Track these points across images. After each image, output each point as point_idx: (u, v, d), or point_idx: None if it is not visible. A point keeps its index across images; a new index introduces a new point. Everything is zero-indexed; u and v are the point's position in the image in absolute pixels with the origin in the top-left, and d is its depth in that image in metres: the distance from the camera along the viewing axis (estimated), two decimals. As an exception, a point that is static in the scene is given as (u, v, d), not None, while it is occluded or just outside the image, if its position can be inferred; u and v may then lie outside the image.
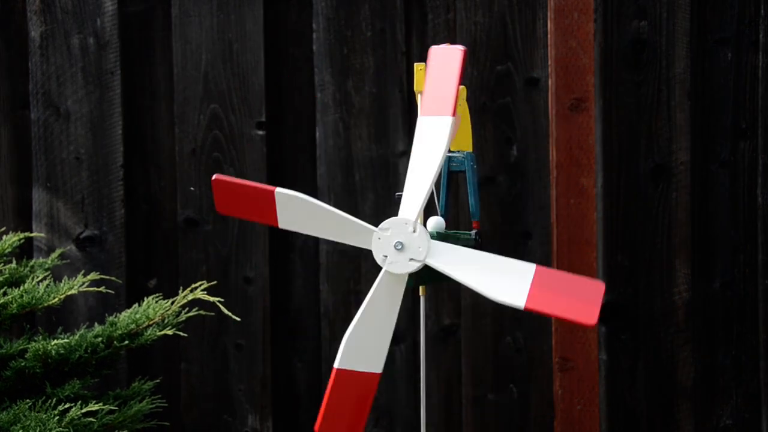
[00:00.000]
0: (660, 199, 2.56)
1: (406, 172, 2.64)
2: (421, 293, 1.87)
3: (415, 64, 1.78)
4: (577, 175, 2.38)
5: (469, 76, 2.56)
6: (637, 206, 2.56)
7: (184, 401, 2.65)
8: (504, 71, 2.57)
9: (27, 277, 2.26)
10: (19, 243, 2.30)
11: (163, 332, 2.11)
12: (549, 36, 2.39)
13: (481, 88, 2.56)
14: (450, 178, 1.87)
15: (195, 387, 2.65)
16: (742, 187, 2.57)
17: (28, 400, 1.95)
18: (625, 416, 2.59)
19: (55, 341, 2.04)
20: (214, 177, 1.75)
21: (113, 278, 2.50)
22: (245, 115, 2.61)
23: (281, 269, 2.63)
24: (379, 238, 1.65)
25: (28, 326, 2.29)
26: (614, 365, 2.58)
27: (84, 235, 2.64)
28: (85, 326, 2.28)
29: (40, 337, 2.15)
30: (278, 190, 1.69)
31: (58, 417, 1.91)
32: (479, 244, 1.79)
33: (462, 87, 1.81)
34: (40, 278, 2.22)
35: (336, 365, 1.68)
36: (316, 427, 1.71)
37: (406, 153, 2.58)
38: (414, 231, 1.63)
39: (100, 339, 2.09)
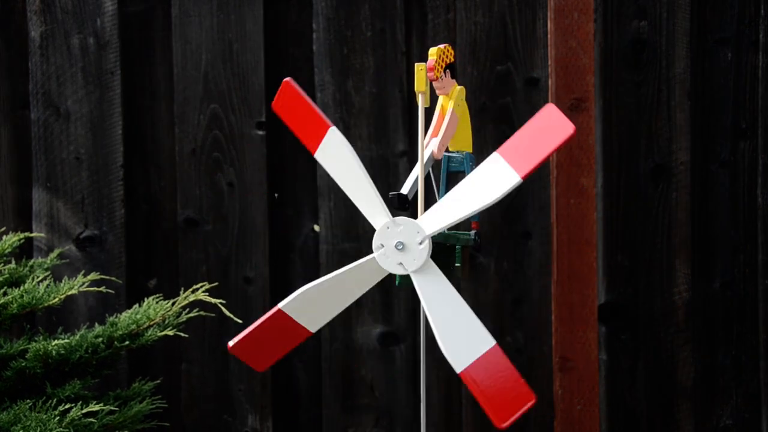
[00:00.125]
0: (660, 199, 2.56)
1: (405, 172, 2.64)
2: (421, 293, 1.87)
3: (416, 64, 1.78)
4: (577, 175, 2.38)
5: (469, 76, 2.56)
6: (637, 206, 2.56)
7: (184, 401, 2.65)
8: (504, 71, 2.57)
9: (27, 277, 2.26)
10: (19, 243, 2.30)
11: (163, 333, 2.12)
12: (549, 36, 2.39)
13: (481, 88, 2.56)
14: (450, 178, 1.87)
15: (195, 387, 2.65)
16: (742, 187, 2.57)
17: (28, 401, 1.95)
18: (625, 416, 2.59)
19: (56, 341, 2.04)
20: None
21: (113, 278, 2.51)
22: (245, 115, 2.61)
23: (281, 269, 2.63)
24: (387, 228, 1.67)
25: (28, 326, 2.29)
26: (614, 365, 2.58)
27: (84, 235, 2.64)
28: (85, 326, 2.28)
29: (41, 338, 2.15)
30: (333, 129, 1.70)
31: (58, 417, 1.91)
32: (478, 245, 1.80)
33: (461, 87, 1.82)
34: (40, 278, 2.22)
35: (280, 306, 1.75)
36: (229, 345, 1.77)
37: (406, 153, 2.59)
38: (399, 226, 1.66)
39: (100, 339, 2.09)
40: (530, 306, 2.59)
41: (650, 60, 2.55)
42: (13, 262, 2.33)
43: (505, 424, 1.60)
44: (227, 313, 2.17)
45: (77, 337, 2.09)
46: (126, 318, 2.14)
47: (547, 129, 1.56)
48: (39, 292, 2.11)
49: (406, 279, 1.71)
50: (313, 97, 2.60)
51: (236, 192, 2.62)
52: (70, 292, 2.13)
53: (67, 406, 1.95)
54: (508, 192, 1.61)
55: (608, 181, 2.56)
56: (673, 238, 2.56)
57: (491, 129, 2.57)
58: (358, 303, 2.61)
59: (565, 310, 2.38)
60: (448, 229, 1.78)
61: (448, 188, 1.89)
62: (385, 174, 2.59)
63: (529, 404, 1.60)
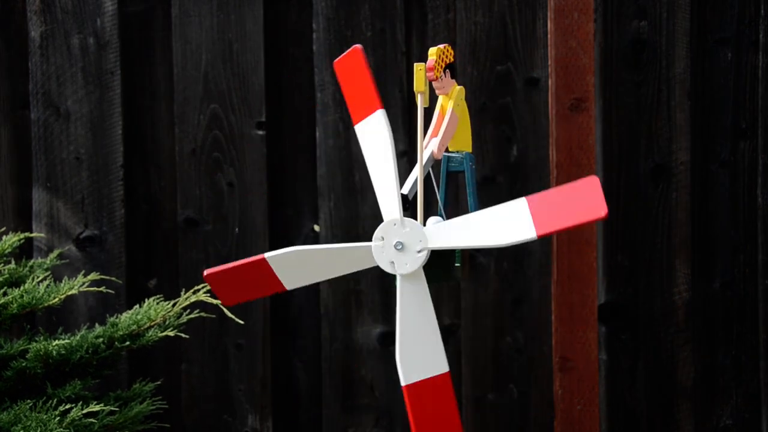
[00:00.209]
0: (660, 199, 2.56)
1: (406, 173, 2.64)
2: (421, 294, 1.87)
3: (415, 64, 1.78)
4: (577, 175, 2.38)
5: (469, 76, 2.56)
6: (637, 206, 2.56)
7: (184, 402, 2.65)
8: (504, 71, 2.57)
9: (27, 277, 2.26)
10: (19, 243, 2.30)
11: (164, 333, 2.11)
12: (549, 36, 2.39)
13: (481, 88, 2.56)
14: (449, 178, 1.87)
15: (195, 387, 2.65)
16: (742, 187, 2.57)
17: (28, 401, 1.95)
18: (625, 416, 2.59)
19: (56, 341, 2.04)
20: (205, 274, 1.79)
21: (113, 278, 2.50)
22: (245, 115, 2.61)
23: (281, 269, 2.63)
24: (394, 224, 1.67)
25: (29, 326, 2.29)
26: (614, 365, 2.58)
27: (84, 235, 2.64)
28: (85, 326, 2.28)
29: (41, 338, 2.15)
30: (267, 255, 1.72)
31: (58, 417, 1.91)
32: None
33: (461, 87, 1.82)
34: (40, 278, 2.22)
35: (402, 383, 1.68)
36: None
37: (407, 153, 2.59)
38: (405, 227, 1.65)
39: (101, 339, 2.09)
40: (530, 306, 2.59)
41: (650, 60, 2.55)
42: (13, 262, 2.33)
43: (605, 211, 1.52)
44: (228, 314, 2.17)
45: (78, 337, 2.09)
46: (126, 318, 2.14)
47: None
48: (39, 292, 2.11)
49: None
50: (313, 98, 2.60)
51: (236, 192, 2.62)
52: (70, 292, 2.13)
53: (67, 407, 1.95)
54: (387, 125, 1.64)
55: (608, 181, 2.56)
56: (673, 238, 2.56)
57: (491, 129, 2.57)
58: (358, 303, 2.62)
59: (565, 310, 2.38)
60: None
61: (447, 188, 1.89)
62: (385, 174, 2.59)
63: (598, 182, 1.53)
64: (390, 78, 2.59)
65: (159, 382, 2.36)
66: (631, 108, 2.55)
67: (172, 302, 2.18)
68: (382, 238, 1.68)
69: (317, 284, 2.62)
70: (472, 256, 2.56)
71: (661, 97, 2.55)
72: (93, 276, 2.24)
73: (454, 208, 2.49)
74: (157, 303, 2.17)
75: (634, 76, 2.55)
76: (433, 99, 1.82)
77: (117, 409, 2.07)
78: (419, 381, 1.67)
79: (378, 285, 2.61)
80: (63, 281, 2.17)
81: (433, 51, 1.76)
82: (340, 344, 2.63)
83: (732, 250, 2.57)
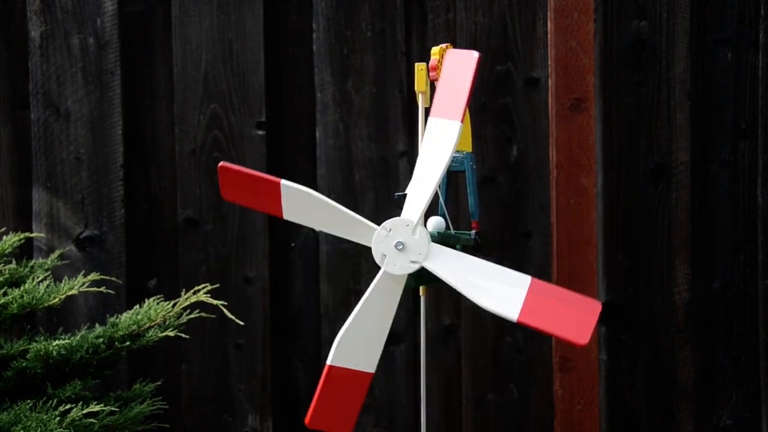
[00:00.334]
0: (660, 199, 2.56)
1: (406, 172, 2.64)
2: (421, 293, 1.87)
3: (416, 64, 1.78)
4: (577, 175, 2.38)
5: (469, 76, 2.56)
6: (637, 206, 2.57)
7: (184, 402, 2.65)
8: (504, 71, 2.57)
9: (27, 277, 2.26)
10: (19, 243, 2.30)
11: (164, 334, 2.11)
12: (549, 36, 2.39)
13: (481, 88, 2.56)
14: (450, 178, 1.87)
15: (195, 388, 2.65)
16: (742, 187, 2.57)
17: (29, 401, 1.95)
18: (625, 416, 2.59)
19: (56, 342, 2.04)
20: (220, 164, 1.75)
21: (113, 278, 2.50)
22: (245, 115, 2.61)
23: (281, 269, 2.63)
24: (380, 239, 1.65)
25: (29, 326, 2.29)
26: (614, 365, 2.58)
27: (84, 235, 2.64)
28: (85, 327, 2.28)
29: (41, 338, 2.15)
30: (284, 182, 1.69)
31: (59, 418, 1.91)
32: (479, 244, 1.79)
33: (463, 88, 1.82)
34: (40, 278, 2.22)
35: (329, 362, 1.69)
36: (306, 420, 1.72)
37: (407, 153, 2.59)
38: (415, 233, 1.64)
39: (101, 340, 2.09)
40: (530, 306, 2.59)
41: (650, 60, 2.55)
42: (14, 262, 2.33)
43: (586, 341, 1.57)
44: (228, 314, 2.17)
45: (78, 337, 2.09)
46: (127, 318, 2.14)
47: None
48: (39, 292, 2.11)
49: (413, 279, 1.70)
50: (313, 98, 2.60)
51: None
52: (70, 293, 2.13)
53: (67, 407, 1.95)
54: (457, 140, 1.62)
55: (608, 181, 2.56)
56: (673, 238, 2.56)
57: (491, 129, 2.57)
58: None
59: (565, 310, 2.38)
60: (449, 229, 1.78)
61: (448, 188, 1.90)
62: (385, 174, 2.59)
63: (599, 311, 1.56)
64: (390, 78, 2.59)
65: (159, 383, 2.36)
66: (631, 108, 2.55)
67: (172, 302, 2.18)
68: (389, 230, 1.66)
69: (317, 284, 2.62)
70: (473, 253, 2.56)
71: (661, 97, 2.55)
72: (93, 276, 2.24)
73: (455, 208, 2.49)
74: (157, 303, 2.17)
75: (634, 76, 2.55)
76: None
77: (117, 409, 2.07)
78: (345, 368, 1.67)
79: (378, 285, 2.61)
80: (63, 281, 2.17)
81: (435, 50, 1.76)
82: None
83: (732, 250, 2.57)
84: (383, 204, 2.59)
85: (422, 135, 1.75)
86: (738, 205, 2.57)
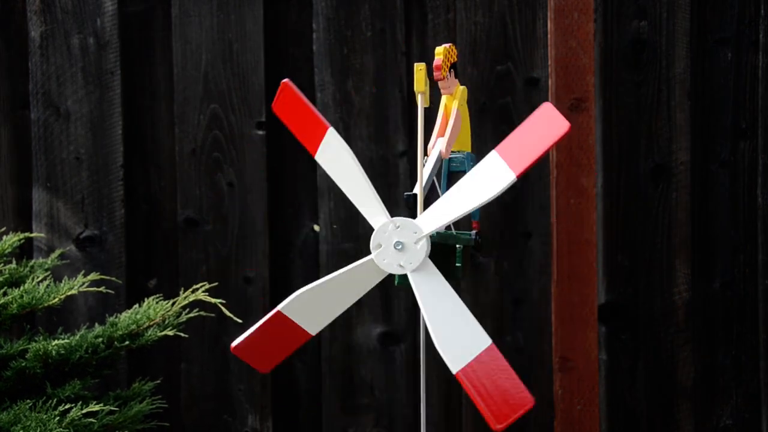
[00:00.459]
0: (660, 199, 2.56)
1: (406, 172, 2.64)
2: (421, 293, 1.86)
3: (416, 64, 1.78)
4: (577, 175, 2.38)
5: (469, 76, 2.56)
6: (637, 206, 2.56)
7: (184, 401, 2.65)
8: (504, 71, 2.57)
9: (27, 277, 2.26)
10: (19, 243, 2.30)
11: (163, 333, 2.12)
12: (549, 36, 2.39)
13: (481, 88, 2.56)
14: (450, 178, 1.86)
15: (195, 387, 2.65)
16: (742, 187, 2.57)
17: (28, 401, 1.95)
18: (625, 416, 2.59)
19: (56, 341, 2.04)
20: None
21: (113, 278, 2.51)
22: (245, 115, 2.61)
23: (281, 269, 2.63)
24: (383, 258, 1.67)
25: (28, 326, 2.29)
26: (614, 365, 2.58)
27: (84, 235, 2.64)
28: (85, 326, 2.28)
29: (41, 338, 2.15)
30: (331, 130, 1.70)
31: (58, 417, 1.91)
32: (479, 245, 1.79)
33: (464, 87, 1.82)
34: (40, 278, 2.22)
35: (279, 307, 1.74)
36: (232, 346, 1.77)
37: (406, 153, 2.59)
38: (418, 243, 1.65)
39: (100, 339, 2.09)
40: (530, 306, 2.59)
41: (650, 60, 2.55)
42: (14, 262, 2.33)
43: (500, 426, 1.59)
44: (227, 313, 2.17)
45: (77, 337, 2.09)
46: (126, 318, 2.14)
47: (544, 127, 1.57)
48: (39, 292, 2.11)
49: (405, 279, 1.71)
50: (313, 97, 2.60)
51: (236, 192, 2.62)
52: (70, 292, 2.13)
53: (67, 406, 1.95)
54: (504, 190, 1.61)
55: (608, 181, 2.56)
56: (673, 238, 2.56)
57: (491, 129, 2.57)
58: (358, 303, 2.61)
59: (565, 310, 2.38)
60: (449, 229, 1.78)
61: (448, 188, 1.89)
62: (385, 174, 2.59)
63: (527, 407, 1.59)
64: (390, 78, 2.59)
65: (158, 381, 2.36)
66: (631, 108, 2.55)
67: (171, 301, 2.18)
68: (380, 245, 1.68)
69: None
70: (472, 256, 2.56)
71: (661, 97, 2.55)
72: (93, 276, 2.24)
73: (454, 208, 2.49)
74: (156, 302, 2.17)
75: (634, 76, 2.55)
76: (432, 99, 1.82)
77: (116, 408, 2.07)
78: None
79: (378, 285, 2.61)
80: (63, 281, 2.17)
81: (440, 50, 1.75)
82: (340, 344, 2.63)
83: (732, 250, 2.57)
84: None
85: (422, 135, 1.75)
86: (738, 205, 2.57)
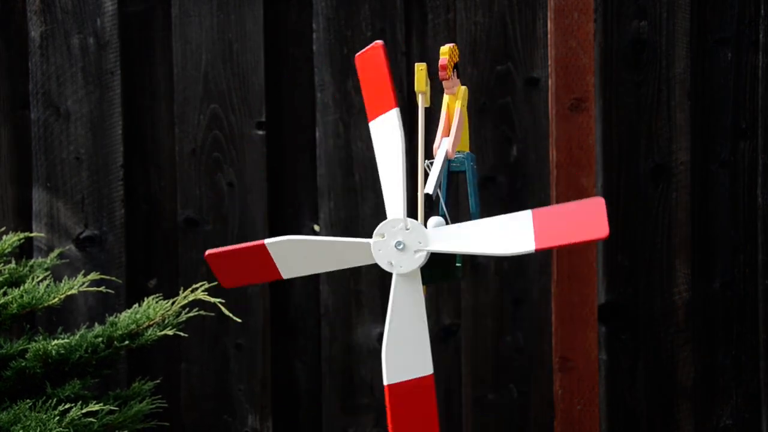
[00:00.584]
0: (660, 199, 2.56)
1: (406, 173, 2.63)
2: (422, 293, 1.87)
3: (416, 64, 1.78)
4: (577, 175, 2.38)
5: (469, 76, 2.56)
6: (637, 206, 2.56)
7: (184, 401, 2.65)
8: (504, 71, 2.57)
9: (27, 277, 2.26)
10: (19, 243, 2.30)
11: (163, 332, 2.11)
12: (549, 36, 2.39)
13: (481, 88, 2.56)
14: (450, 178, 1.86)
15: (195, 387, 2.65)
16: (742, 187, 2.57)
17: (28, 400, 1.95)
18: (625, 416, 2.59)
19: (56, 341, 2.04)
20: (206, 254, 1.78)
21: (113, 278, 2.50)
22: (245, 115, 2.61)
23: (281, 269, 2.63)
24: (379, 248, 1.66)
25: (28, 326, 2.29)
26: (614, 365, 2.58)
27: (84, 235, 2.64)
28: (85, 326, 2.28)
29: (41, 337, 2.15)
30: (267, 241, 1.71)
31: (58, 417, 1.91)
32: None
33: (465, 87, 1.82)
34: (40, 278, 2.22)
35: (385, 382, 1.66)
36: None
37: (407, 153, 2.58)
38: (407, 228, 1.65)
39: (100, 339, 2.09)
40: (530, 306, 2.59)
41: (650, 60, 2.55)
42: (13, 262, 2.33)
43: (606, 232, 1.53)
44: (227, 312, 2.17)
45: (77, 337, 2.09)
46: (126, 318, 2.14)
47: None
48: (39, 292, 2.11)
49: (429, 279, 1.70)
50: (313, 97, 2.60)
51: (236, 192, 2.62)
52: (70, 292, 2.13)
53: (66, 406, 1.95)
54: (401, 122, 1.64)
55: (608, 181, 2.56)
56: (673, 238, 2.56)
57: (491, 129, 2.57)
58: (358, 303, 2.62)
59: (565, 310, 2.38)
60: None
61: (448, 188, 1.89)
62: (385, 174, 2.59)
63: (603, 203, 1.54)
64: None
65: (158, 381, 2.36)
66: (631, 108, 2.55)
67: (171, 301, 2.18)
68: (383, 236, 1.67)
69: (317, 284, 2.62)
70: (473, 256, 2.56)
71: (661, 97, 2.55)
72: (93, 276, 2.24)
73: (455, 208, 2.49)
74: (156, 302, 2.17)
75: (634, 76, 2.55)
76: (433, 99, 1.82)
77: (116, 408, 2.07)
78: (403, 381, 1.66)
79: (378, 285, 2.61)
80: (63, 281, 2.17)
81: (444, 50, 1.75)
82: (340, 344, 2.63)
83: (732, 250, 2.57)
84: (383, 204, 2.58)
85: (422, 135, 1.75)
86: (738, 205, 2.57)
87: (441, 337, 2.61)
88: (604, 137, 2.55)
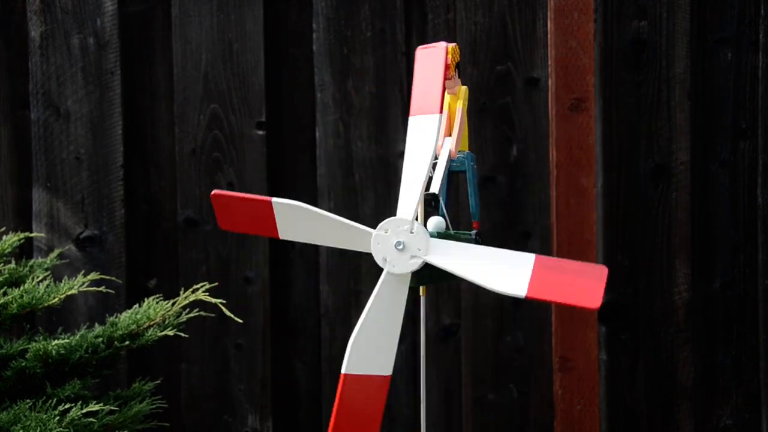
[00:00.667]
0: (660, 199, 2.56)
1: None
2: (421, 293, 1.87)
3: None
4: (577, 175, 2.38)
5: (469, 76, 2.56)
6: (637, 206, 2.56)
7: (184, 401, 2.65)
8: (504, 71, 2.57)
9: (27, 277, 2.26)
10: (19, 243, 2.30)
11: (163, 333, 2.11)
12: (549, 36, 2.39)
13: (481, 88, 2.56)
14: (450, 178, 1.86)
15: (195, 387, 2.65)
16: (742, 187, 2.57)
17: (28, 400, 1.95)
18: (625, 416, 2.59)
19: (56, 341, 2.04)
20: (212, 192, 1.76)
21: (113, 278, 2.51)
22: (245, 115, 2.61)
23: (281, 269, 2.63)
24: (378, 242, 1.65)
25: (28, 326, 2.29)
26: (614, 365, 2.58)
27: (84, 235, 2.64)
28: (85, 326, 2.28)
29: (41, 337, 2.15)
30: (275, 199, 1.70)
31: (58, 417, 1.91)
32: (479, 244, 1.79)
33: (464, 87, 1.82)
34: (40, 278, 2.22)
35: (343, 370, 1.67)
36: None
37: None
38: (412, 231, 1.64)
39: (100, 339, 2.09)
40: (530, 306, 2.59)
41: (650, 60, 2.55)
42: (13, 262, 2.33)
43: (598, 304, 1.52)
44: (227, 313, 2.17)
45: (77, 337, 2.09)
46: (126, 318, 2.14)
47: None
48: (39, 292, 2.11)
49: (415, 277, 1.70)
50: (313, 97, 2.60)
51: (236, 192, 2.62)
52: (70, 292, 2.13)
53: (67, 406, 1.95)
54: (438, 132, 1.62)
55: (608, 181, 2.56)
56: (673, 238, 2.56)
57: (491, 129, 2.57)
58: (359, 304, 2.62)
59: (565, 310, 2.38)
60: (448, 230, 1.78)
61: (448, 188, 1.89)
62: (385, 174, 2.59)
63: (606, 274, 1.53)
64: (390, 78, 2.59)
65: (158, 381, 2.36)
66: (631, 108, 2.55)
67: (172, 301, 2.18)
68: (386, 231, 1.66)
69: (317, 284, 2.62)
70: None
71: (661, 97, 2.55)
72: (93, 276, 2.24)
73: (455, 208, 2.49)
74: (157, 302, 2.17)
75: (634, 76, 2.55)
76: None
77: (116, 408, 2.07)
78: (361, 375, 1.66)
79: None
80: (63, 281, 2.17)
81: (448, 50, 1.75)
82: (340, 344, 2.63)
83: (732, 250, 2.57)
84: (383, 204, 2.59)
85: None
86: (738, 205, 2.57)
87: (441, 337, 2.61)
88: (604, 137, 2.55)
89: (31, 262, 2.33)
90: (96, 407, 1.96)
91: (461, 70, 2.54)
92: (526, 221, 2.58)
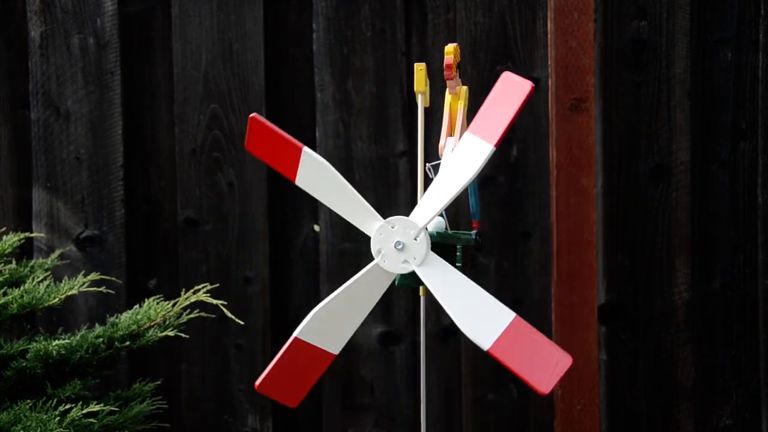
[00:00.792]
0: (660, 199, 2.56)
1: (406, 172, 2.64)
2: (421, 293, 1.87)
3: (416, 64, 1.78)
4: (577, 175, 2.38)
5: (469, 76, 2.56)
6: (637, 206, 2.57)
7: (184, 402, 2.65)
8: (504, 71, 2.57)
9: (27, 277, 2.26)
10: (19, 243, 2.30)
11: (164, 333, 2.11)
12: (549, 36, 2.39)
13: (481, 88, 2.56)
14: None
15: (195, 387, 2.65)
16: (742, 187, 2.57)
17: (28, 401, 1.95)
18: (625, 416, 2.59)
19: (56, 341, 2.04)
20: (251, 115, 1.72)
21: (113, 278, 2.50)
22: (245, 115, 2.61)
23: (281, 269, 2.63)
24: (381, 233, 1.65)
25: (29, 326, 2.29)
26: (614, 365, 2.58)
27: (84, 235, 2.64)
28: (85, 326, 2.28)
29: (41, 338, 2.15)
30: (306, 149, 1.68)
31: (58, 417, 1.91)
32: (480, 245, 1.79)
33: (465, 87, 1.82)
34: (40, 278, 2.22)
35: (296, 334, 1.70)
36: (257, 384, 1.72)
37: (406, 153, 2.58)
38: (416, 237, 1.64)
39: (101, 339, 2.09)
40: (530, 306, 2.59)
41: (650, 60, 2.55)
42: (14, 262, 2.33)
43: (547, 391, 1.57)
44: (228, 314, 2.17)
45: (77, 337, 2.09)
46: (126, 318, 2.14)
47: (508, 94, 1.58)
48: (39, 292, 2.11)
49: (405, 279, 1.70)
50: (313, 97, 2.60)
51: (236, 192, 2.62)
52: (70, 292, 2.13)
53: (67, 407, 1.95)
54: (485, 162, 1.61)
55: (608, 181, 2.56)
56: (673, 238, 2.56)
57: (491, 129, 2.57)
58: (358, 303, 2.61)
59: (565, 310, 2.38)
60: (448, 230, 1.78)
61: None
62: (385, 174, 2.59)
63: (567, 367, 1.57)
64: (390, 78, 2.59)
65: (159, 382, 2.36)
66: (631, 108, 2.55)
67: (172, 302, 2.18)
68: (393, 227, 1.66)
69: (317, 284, 2.62)
70: (473, 256, 2.56)
71: (661, 97, 2.55)
72: (93, 276, 2.24)
73: (455, 208, 2.50)
74: (157, 303, 2.17)
75: (634, 76, 2.55)
76: (432, 99, 1.82)
77: (117, 409, 2.07)
78: (311, 344, 1.69)
79: (378, 285, 2.61)
80: (63, 281, 2.17)
81: (449, 49, 1.75)
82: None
83: (732, 250, 2.57)
84: (383, 204, 2.59)
85: (422, 135, 1.75)
86: (738, 205, 2.57)
87: (441, 337, 2.61)
88: (604, 137, 2.55)
89: (31, 263, 2.33)
90: (96, 408, 1.96)
91: (461, 70, 2.55)
92: (526, 221, 2.58)
